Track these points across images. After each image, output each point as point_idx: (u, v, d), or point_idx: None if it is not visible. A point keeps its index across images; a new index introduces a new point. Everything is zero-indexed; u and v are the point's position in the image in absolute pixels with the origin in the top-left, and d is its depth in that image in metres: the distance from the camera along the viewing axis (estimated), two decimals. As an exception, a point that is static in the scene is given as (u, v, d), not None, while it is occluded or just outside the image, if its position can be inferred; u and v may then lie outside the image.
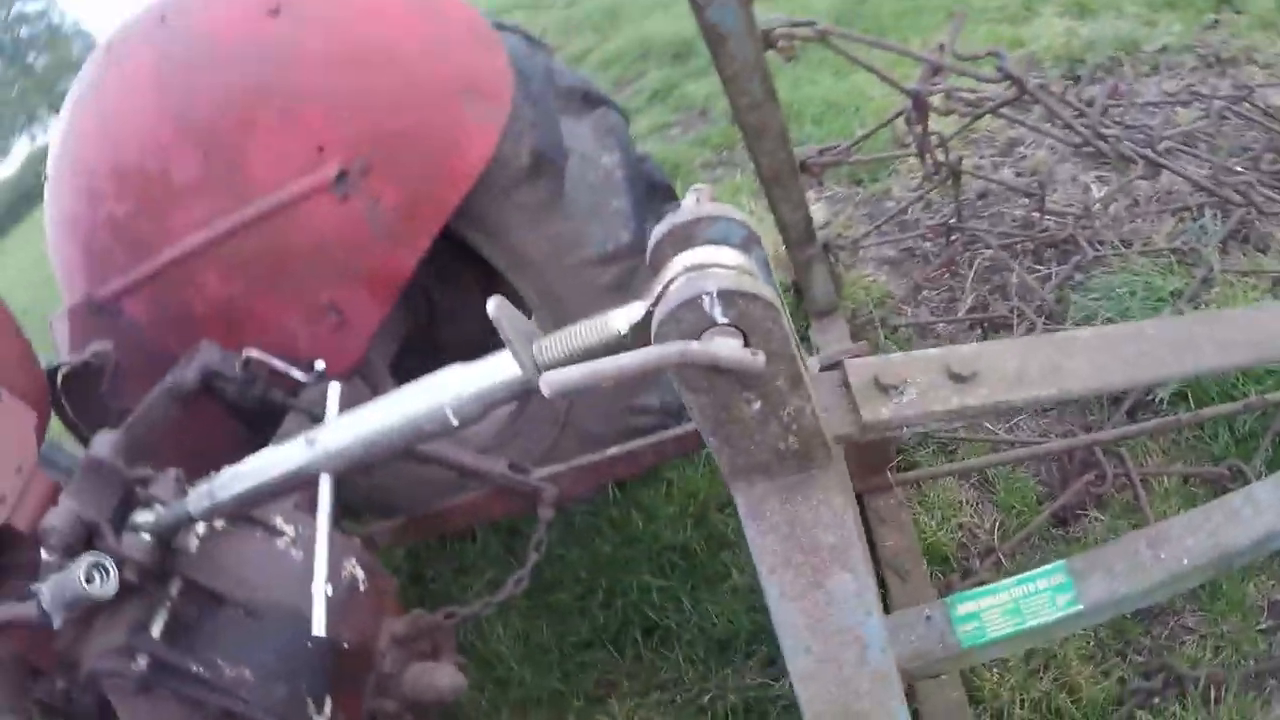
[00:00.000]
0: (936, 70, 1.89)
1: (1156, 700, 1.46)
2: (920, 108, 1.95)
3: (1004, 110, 2.18)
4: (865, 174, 3.13)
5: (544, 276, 1.63)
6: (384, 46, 1.44)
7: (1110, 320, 2.18)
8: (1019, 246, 2.55)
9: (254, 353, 1.34)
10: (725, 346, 0.62)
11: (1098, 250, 2.39)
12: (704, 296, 0.63)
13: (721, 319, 0.64)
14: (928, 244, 2.73)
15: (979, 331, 2.40)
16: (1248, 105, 2.72)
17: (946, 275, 2.59)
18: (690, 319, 0.64)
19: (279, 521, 1.22)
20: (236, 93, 1.40)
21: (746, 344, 0.66)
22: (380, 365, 1.76)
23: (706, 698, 1.73)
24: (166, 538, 1.06)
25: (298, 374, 1.36)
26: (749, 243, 0.73)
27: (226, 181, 1.39)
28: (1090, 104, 2.62)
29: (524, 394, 0.80)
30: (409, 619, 1.34)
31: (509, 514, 1.70)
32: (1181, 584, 0.95)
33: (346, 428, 0.90)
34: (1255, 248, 2.33)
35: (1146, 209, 2.55)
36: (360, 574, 1.32)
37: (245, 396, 1.37)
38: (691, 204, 0.74)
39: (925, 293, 2.59)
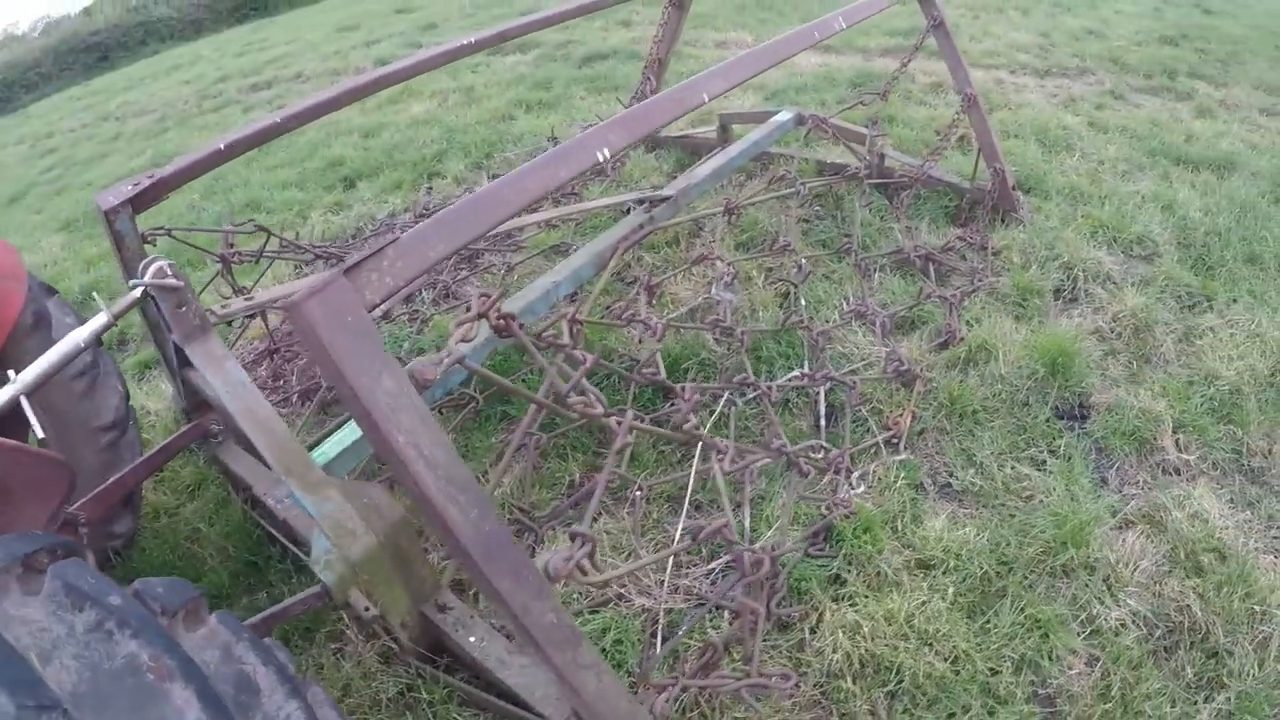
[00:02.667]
0: (231, 244, 3.40)
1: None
2: (225, 263, 3.30)
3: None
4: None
5: (45, 395, 2.49)
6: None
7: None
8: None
9: None
10: (168, 278, 2.15)
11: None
12: (164, 266, 2.15)
13: (169, 274, 2.16)
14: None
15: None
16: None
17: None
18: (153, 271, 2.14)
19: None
20: None
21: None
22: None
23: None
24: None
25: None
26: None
27: None
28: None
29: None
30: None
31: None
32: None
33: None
34: (454, 298, 4.20)
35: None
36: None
37: None
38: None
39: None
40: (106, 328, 2.23)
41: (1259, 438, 3.04)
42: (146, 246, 2.74)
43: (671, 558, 2.54)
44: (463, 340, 1.58)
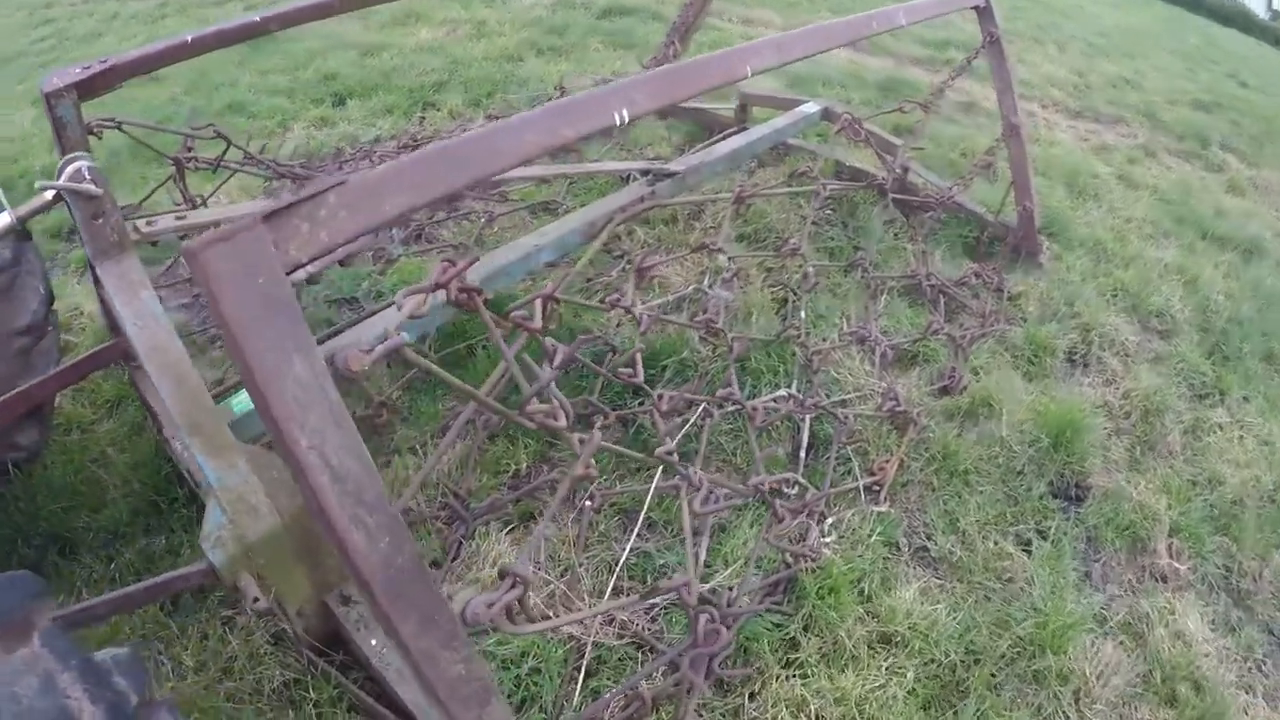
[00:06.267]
0: (190, 147, 3.01)
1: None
2: (178, 165, 3.02)
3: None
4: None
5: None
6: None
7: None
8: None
9: None
10: (85, 183, 1.83)
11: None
12: (83, 169, 1.82)
13: (88, 177, 1.84)
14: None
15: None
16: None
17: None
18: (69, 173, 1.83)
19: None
20: None
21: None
22: None
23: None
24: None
25: None
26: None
27: None
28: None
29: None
30: None
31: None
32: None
33: None
34: (427, 240, 3.97)
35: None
36: None
37: None
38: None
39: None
40: (7, 231, 1.97)
41: (1251, 557, 2.85)
42: (91, 138, 2.41)
43: (610, 586, 2.27)
44: (412, 316, 1.29)
